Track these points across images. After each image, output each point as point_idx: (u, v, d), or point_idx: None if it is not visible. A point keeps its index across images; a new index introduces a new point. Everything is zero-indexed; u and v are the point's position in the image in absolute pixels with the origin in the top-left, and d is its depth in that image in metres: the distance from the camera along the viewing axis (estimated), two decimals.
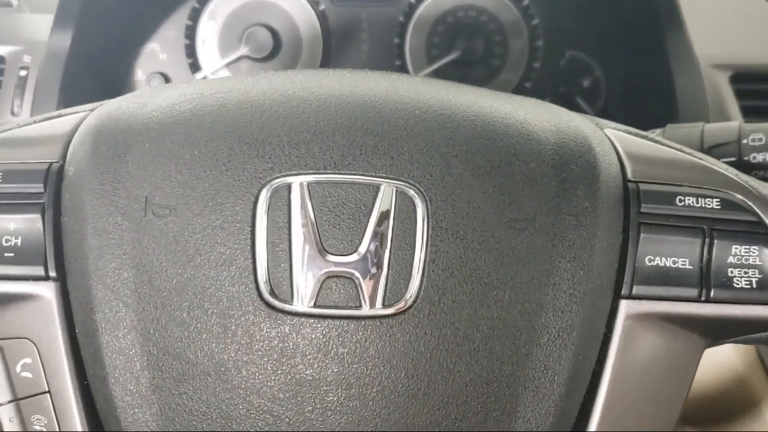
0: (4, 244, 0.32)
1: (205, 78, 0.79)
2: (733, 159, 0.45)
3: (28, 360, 0.33)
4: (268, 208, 0.31)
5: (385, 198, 0.31)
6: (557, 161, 0.32)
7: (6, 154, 0.34)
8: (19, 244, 0.32)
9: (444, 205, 0.31)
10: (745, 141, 0.45)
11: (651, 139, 0.36)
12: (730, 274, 0.32)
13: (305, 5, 0.79)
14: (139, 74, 0.80)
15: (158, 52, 0.80)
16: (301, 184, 0.31)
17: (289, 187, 0.31)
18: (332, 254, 0.30)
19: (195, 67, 0.79)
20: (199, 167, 0.31)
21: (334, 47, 0.79)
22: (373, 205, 0.31)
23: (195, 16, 0.79)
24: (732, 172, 0.34)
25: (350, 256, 0.30)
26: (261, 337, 0.30)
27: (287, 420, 0.30)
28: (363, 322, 0.30)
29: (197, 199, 0.31)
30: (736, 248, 0.32)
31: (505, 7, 0.78)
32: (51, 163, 0.33)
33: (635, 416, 0.33)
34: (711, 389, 0.61)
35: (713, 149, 0.45)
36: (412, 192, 0.31)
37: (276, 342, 0.30)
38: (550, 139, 0.33)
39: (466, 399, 0.31)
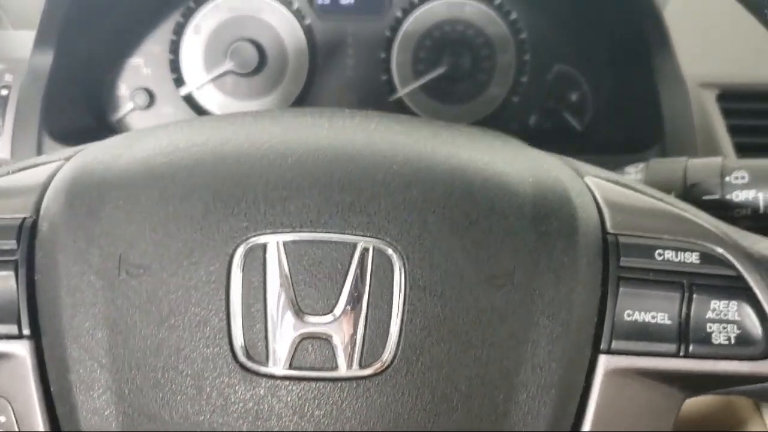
0: None
1: (189, 94, 0.79)
2: (716, 196, 0.45)
3: (2, 419, 0.33)
4: (243, 268, 0.30)
5: (362, 257, 0.31)
6: (536, 215, 0.32)
7: None
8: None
9: (421, 263, 0.31)
10: (727, 179, 0.45)
11: (631, 188, 0.36)
12: (708, 330, 0.32)
13: (291, 20, 0.80)
14: (123, 89, 0.81)
15: (142, 66, 0.81)
16: (276, 243, 0.30)
17: (264, 246, 0.30)
18: (308, 314, 0.30)
19: (179, 81, 0.80)
20: (174, 225, 0.31)
21: (320, 62, 0.81)
22: (350, 264, 0.31)
23: (179, 30, 0.80)
24: (713, 223, 0.34)
25: (326, 316, 0.30)
26: (236, 400, 0.30)
27: None
28: (339, 384, 0.30)
29: (171, 259, 0.31)
30: (715, 303, 0.32)
31: (492, 21, 0.80)
32: (24, 218, 0.33)
33: None
34: (699, 414, 0.61)
35: (695, 186, 0.45)
36: (389, 250, 0.31)
37: (251, 404, 0.30)
38: (529, 192, 0.33)
39: None
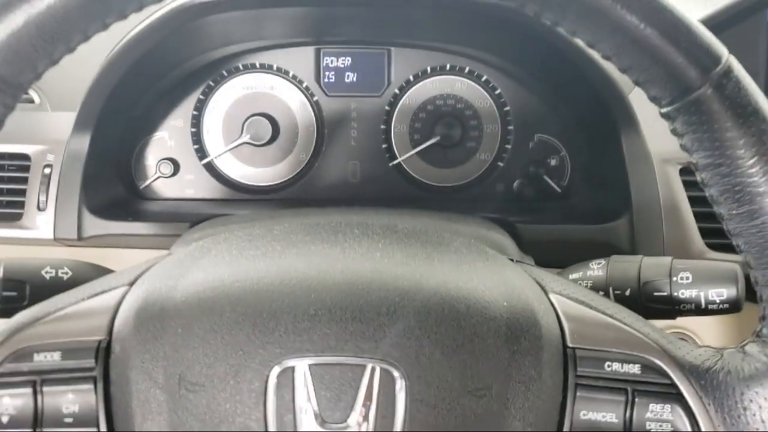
0: (64, 411, 0.40)
1: (210, 162, 0.87)
2: (665, 294, 0.52)
3: None
4: (277, 386, 0.38)
5: (371, 376, 0.39)
6: (509, 336, 0.40)
7: (63, 329, 0.42)
8: (76, 410, 0.40)
9: (419, 380, 0.39)
10: (675, 279, 0.52)
11: (587, 304, 0.44)
12: (647, 427, 0.40)
13: (301, 96, 0.87)
14: (150, 159, 0.87)
15: (167, 139, 0.87)
16: (303, 366, 0.38)
17: (293, 368, 0.38)
18: (328, 423, 0.38)
19: (201, 152, 0.87)
20: (222, 351, 0.39)
21: (327, 133, 0.88)
22: (361, 381, 0.38)
23: (200, 106, 0.87)
24: (654, 338, 0.42)
25: (343, 424, 0.38)
26: None
27: None
28: None
29: (220, 378, 0.39)
30: (653, 406, 0.40)
31: (479, 96, 0.87)
32: (100, 341, 0.41)
33: None
34: None
35: (648, 284, 0.53)
36: (393, 370, 0.38)
37: None
38: (504, 316, 0.41)
39: None
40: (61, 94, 0.83)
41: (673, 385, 0.41)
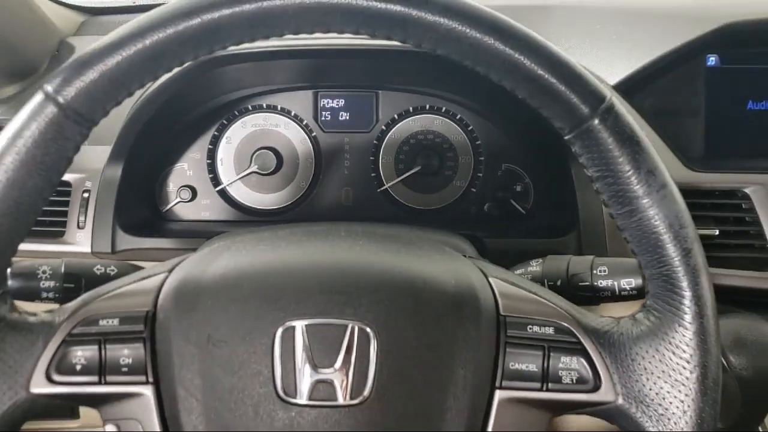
0: (121, 363, 0.52)
1: (223, 189, 0.98)
2: (587, 283, 0.65)
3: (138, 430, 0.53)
4: (282, 341, 0.50)
5: (352, 333, 0.51)
6: (455, 306, 0.52)
7: (119, 303, 0.54)
8: (130, 362, 0.52)
9: (387, 337, 0.50)
10: (594, 271, 0.65)
11: (517, 285, 0.56)
12: (559, 375, 0.51)
13: (301, 132, 0.98)
14: (171, 186, 0.98)
15: (186, 169, 0.98)
16: (301, 326, 0.51)
17: (294, 327, 0.51)
18: (320, 368, 0.50)
19: (215, 180, 0.98)
20: (240, 316, 0.51)
21: (324, 164, 0.99)
22: (344, 337, 0.50)
23: (215, 141, 0.98)
24: (566, 309, 0.54)
25: (330, 368, 0.50)
26: (277, 419, 0.50)
27: None
28: (338, 409, 0.50)
29: (240, 336, 0.51)
30: (564, 358, 0.51)
31: (455, 132, 0.98)
32: (147, 311, 0.53)
33: None
34: None
35: (574, 276, 0.66)
36: (367, 329, 0.51)
37: (287, 421, 0.50)
38: (452, 291, 0.53)
39: None
40: (97, 131, 0.93)
41: (579, 343, 0.52)
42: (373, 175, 0.99)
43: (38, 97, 0.48)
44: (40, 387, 0.50)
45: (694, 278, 0.50)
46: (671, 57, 0.92)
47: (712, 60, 0.99)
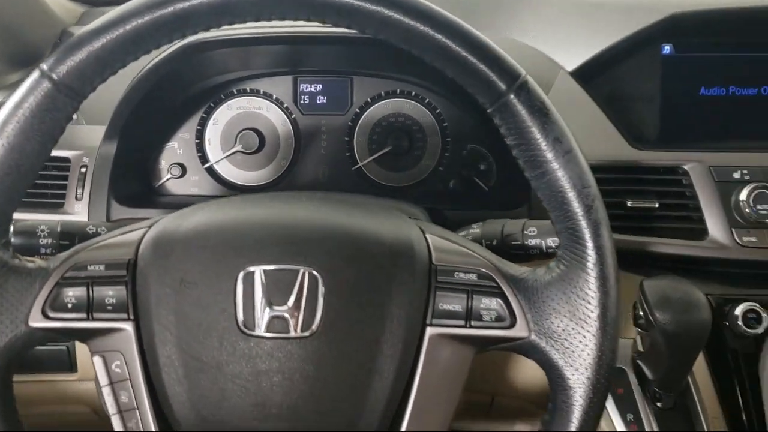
0: (106, 302, 0.60)
1: (210, 167, 1.05)
2: (518, 242, 0.73)
3: (118, 362, 0.59)
4: (243, 283, 0.58)
5: (302, 277, 0.59)
6: (393, 255, 0.60)
7: (105, 253, 0.62)
8: (114, 302, 0.60)
9: (332, 280, 0.58)
10: (525, 232, 0.73)
11: (450, 239, 0.64)
12: (481, 314, 0.59)
13: (282, 115, 1.04)
14: (163, 164, 1.04)
15: (176, 148, 1.04)
16: (259, 271, 0.59)
17: (253, 272, 0.59)
18: (275, 305, 0.58)
19: (203, 159, 1.04)
20: (208, 261, 0.59)
21: (302, 144, 1.05)
22: (296, 281, 0.58)
23: (203, 122, 1.04)
24: (489, 259, 0.62)
25: (284, 306, 0.58)
26: (239, 348, 0.58)
27: (253, 390, 0.58)
28: (290, 340, 0.57)
29: (208, 278, 0.59)
30: (484, 300, 0.59)
31: (423, 114, 1.04)
32: (129, 260, 0.60)
33: (431, 395, 0.60)
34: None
35: (507, 236, 0.74)
36: (316, 274, 0.59)
37: (246, 351, 0.58)
38: (390, 243, 0.61)
39: (341, 381, 0.58)
40: (93, 112, 0.99)
41: (498, 288, 0.60)
42: (347, 154, 1.05)
43: (35, 75, 0.57)
44: (37, 322, 0.59)
45: (596, 230, 0.58)
46: (624, 45, 0.99)
47: (666, 49, 1.05)
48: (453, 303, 0.60)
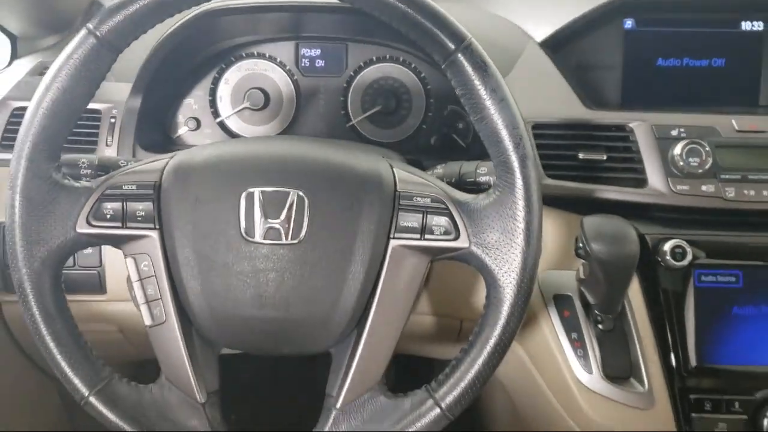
0: (137, 214, 0.74)
1: (221, 122, 1.19)
2: (472, 180, 0.88)
3: (147, 261, 0.74)
4: (246, 201, 0.73)
5: (292, 198, 0.73)
6: (363, 182, 0.73)
7: (136, 177, 0.76)
8: (143, 214, 0.74)
9: (316, 200, 0.72)
10: (478, 171, 0.88)
11: (413, 173, 0.79)
12: (432, 229, 0.72)
13: (285, 77, 1.16)
14: (180, 118, 1.16)
15: (192, 104, 1.15)
16: (258, 191, 0.73)
17: (253, 193, 0.73)
18: (270, 219, 0.73)
19: (215, 113, 1.16)
20: (218, 184, 0.73)
21: (303, 103, 1.16)
22: (287, 199, 0.73)
23: (215, 81, 1.16)
24: (443, 188, 0.75)
25: (277, 220, 0.73)
26: (242, 251, 0.72)
27: (252, 285, 0.72)
28: (282, 246, 0.72)
29: (217, 197, 0.73)
30: (435, 218, 0.72)
31: (410, 78, 1.16)
32: (155, 182, 0.75)
33: (393, 292, 0.74)
34: None
35: (464, 175, 0.88)
36: (302, 194, 0.73)
37: (247, 253, 0.72)
38: (363, 173, 0.75)
39: (322, 279, 0.73)
40: (120, 71, 1.06)
41: (447, 209, 0.73)
42: (342, 112, 1.15)
43: (83, 32, 0.71)
44: (82, 228, 0.74)
45: (523, 162, 0.72)
46: (588, 19, 1.11)
47: (628, 23, 1.18)
48: (411, 221, 0.74)
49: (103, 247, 1.04)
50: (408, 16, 0.70)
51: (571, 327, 0.99)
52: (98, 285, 1.09)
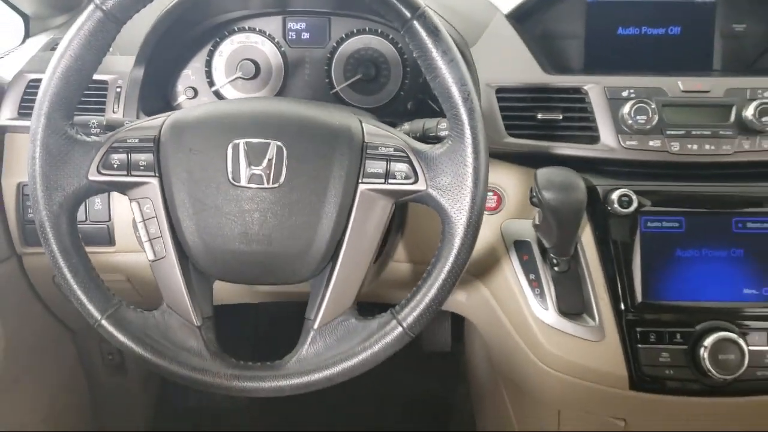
0: (140, 164, 0.85)
1: (216, 90, 1.28)
2: (434, 134, 0.99)
3: (149, 204, 0.85)
4: (231, 151, 0.85)
5: (272, 148, 0.85)
6: (336, 135, 0.85)
7: (139, 132, 0.87)
8: (145, 164, 0.85)
9: (293, 150, 0.83)
10: (439, 126, 0.99)
11: (380, 126, 0.90)
12: (395, 174, 0.83)
13: (274, 48, 1.25)
14: (179, 87, 1.25)
15: (190, 75, 1.25)
16: (243, 142, 0.85)
17: (238, 144, 0.85)
18: (254, 166, 0.85)
19: (211, 83, 1.25)
20: (208, 136, 0.84)
21: (290, 72, 1.26)
22: (268, 149, 0.84)
23: (211, 54, 1.24)
24: (405, 140, 0.87)
25: (259, 167, 0.84)
26: (230, 194, 0.83)
27: (239, 223, 0.83)
28: (264, 189, 0.83)
29: (208, 148, 0.84)
30: (397, 165, 0.83)
31: (388, 49, 1.25)
32: (155, 136, 0.86)
33: (361, 230, 0.86)
34: None
35: (427, 130, 0.99)
36: (281, 144, 0.85)
37: (234, 196, 0.83)
38: (335, 127, 0.86)
39: (299, 218, 0.85)
40: (124, 45, 1.20)
41: (407, 157, 0.84)
42: (326, 80, 1.25)
43: (90, 7, 0.82)
44: (94, 176, 0.85)
45: (471, 115, 0.83)
46: None
47: None
48: (377, 167, 0.85)
49: (111, 202, 1.17)
50: None
51: (529, 269, 1.10)
52: (107, 238, 1.21)
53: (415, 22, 0.81)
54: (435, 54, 0.81)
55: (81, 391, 1.57)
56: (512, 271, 1.11)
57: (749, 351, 1.02)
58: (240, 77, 1.24)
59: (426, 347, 1.89)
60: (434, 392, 1.79)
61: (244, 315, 1.53)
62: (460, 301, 1.28)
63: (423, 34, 0.81)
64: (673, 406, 1.08)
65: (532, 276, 1.10)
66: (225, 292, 1.28)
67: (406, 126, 1.02)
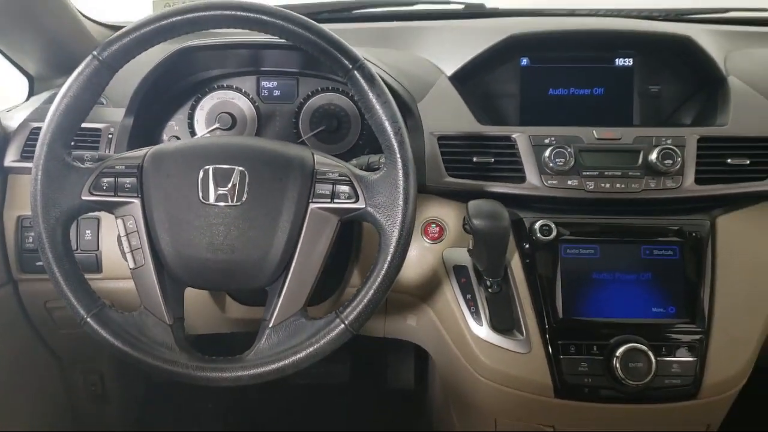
0: (125, 186, 1.02)
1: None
2: (376, 167, 1.16)
3: (132, 221, 1.01)
4: (202, 176, 1.01)
5: (236, 173, 1.01)
6: (292, 164, 1.02)
7: (125, 160, 1.04)
8: (130, 186, 0.99)
9: (254, 174, 1.00)
10: (380, 160, 1.16)
11: (329, 158, 1.07)
12: (340, 195, 1.01)
13: (248, 103, 1.40)
14: (164, 136, 1.37)
15: (174, 125, 1.38)
16: (212, 168, 1.01)
17: (208, 169, 1.01)
18: (220, 187, 1.01)
19: (192, 133, 1.39)
20: (184, 163, 1.01)
21: (263, 123, 1.39)
22: (232, 174, 1.01)
23: (193, 107, 1.38)
24: (349, 167, 1.04)
25: (225, 188, 1.00)
26: (201, 210, 0.99)
27: (207, 235, 0.99)
28: (229, 207, 0.98)
29: (182, 173, 1.00)
30: (341, 187, 0.99)
31: (348, 104, 1.40)
32: (139, 164, 1.03)
33: (312, 243, 1.02)
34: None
35: (371, 163, 1.17)
36: (243, 169, 1.01)
37: (204, 213, 0.99)
38: (290, 157, 1.03)
39: (258, 231, 1.01)
40: (116, 98, 1.37)
41: (350, 180, 1.00)
42: (294, 131, 1.38)
43: (89, 57, 1.01)
44: (86, 196, 1.02)
45: (401, 145, 1.00)
46: (485, 57, 1.42)
47: (524, 61, 1.49)
48: (324, 189, 1.01)
49: (100, 233, 1.32)
50: (317, 44, 1.00)
51: (466, 290, 1.26)
52: (96, 265, 1.36)
53: (355, 71, 0.99)
54: (371, 96, 0.99)
55: (63, 418, 1.68)
56: (452, 292, 1.26)
57: (656, 361, 1.17)
58: (218, 128, 1.38)
59: (390, 384, 2.02)
60: (395, 426, 1.91)
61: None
62: (411, 325, 1.43)
63: (361, 80, 0.99)
64: (594, 412, 1.22)
65: (468, 296, 1.25)
66: (201, 321, 1.42)
67: (354, 161, 1.20)
